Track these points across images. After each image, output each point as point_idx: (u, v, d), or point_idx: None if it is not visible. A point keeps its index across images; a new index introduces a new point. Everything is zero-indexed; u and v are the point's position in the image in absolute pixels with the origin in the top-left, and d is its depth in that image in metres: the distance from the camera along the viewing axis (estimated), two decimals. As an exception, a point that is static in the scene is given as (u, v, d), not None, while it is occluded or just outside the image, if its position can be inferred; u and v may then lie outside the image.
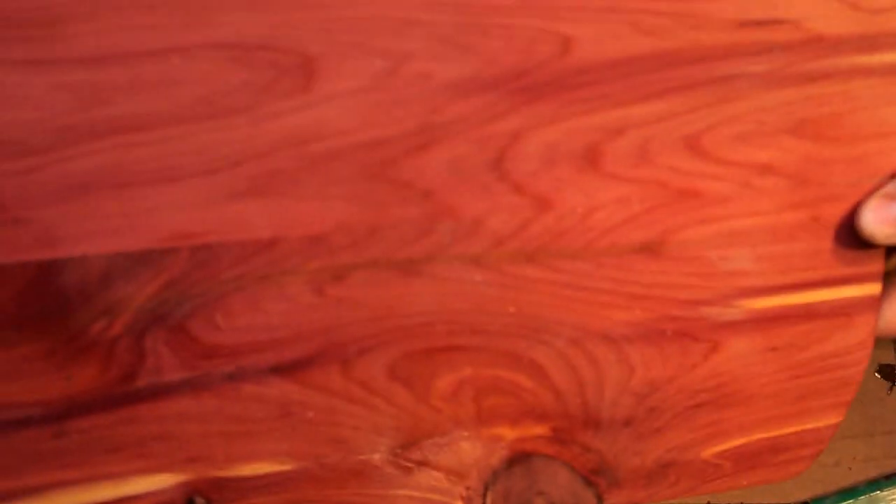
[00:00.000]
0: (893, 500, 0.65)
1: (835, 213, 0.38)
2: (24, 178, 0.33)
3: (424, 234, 0.36)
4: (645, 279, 0.38)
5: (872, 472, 0.67)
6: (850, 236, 0.39)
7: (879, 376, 0.70)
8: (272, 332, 0.37)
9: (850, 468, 0.67)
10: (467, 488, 0.41)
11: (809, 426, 0.42)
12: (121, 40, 0.32)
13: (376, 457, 0.39)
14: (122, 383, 0.36)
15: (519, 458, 0.40)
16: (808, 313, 0.40)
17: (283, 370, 0.37)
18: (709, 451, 0.42)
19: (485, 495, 0.40)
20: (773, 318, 0.39)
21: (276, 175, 0.34)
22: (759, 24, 0.35)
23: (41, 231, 0.34)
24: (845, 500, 0.65)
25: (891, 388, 0.69)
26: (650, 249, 0.38)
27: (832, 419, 0.42)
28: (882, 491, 0.65)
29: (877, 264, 0.39)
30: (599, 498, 0.41)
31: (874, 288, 0.40)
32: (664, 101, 0.35)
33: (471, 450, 0.40)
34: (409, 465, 0.40)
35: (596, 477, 0.41)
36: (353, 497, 0.40)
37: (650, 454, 0.41)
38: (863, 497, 0.65)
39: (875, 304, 0.40)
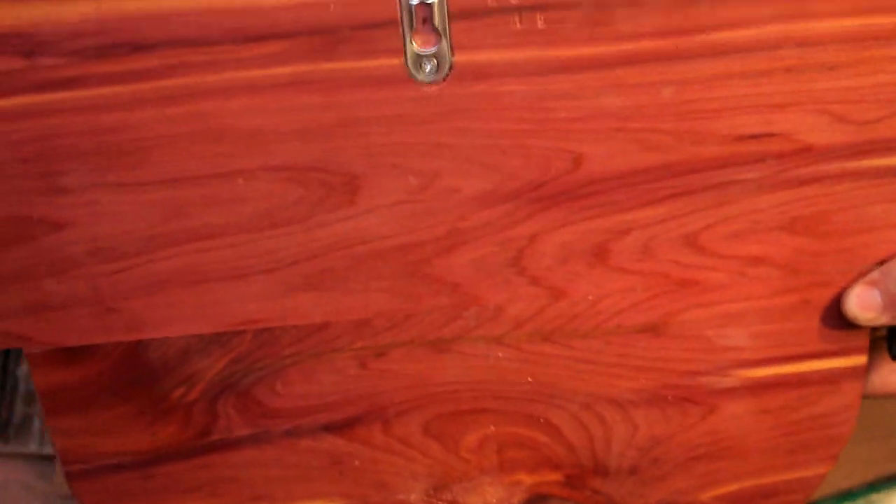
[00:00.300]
0: (891, 502, 0.65)
1: (824, 296, 0.42)
2: (118, 276, 0.40)
3: (453, 320, 0.42)
4: (648, 354, 0.43)
5: (871, 475, 0.67)
6: (839, 315, 0.43)
7: None
8: (324, 398, 0.43)
9: (847, 471, 0.67)
10: None
11: (799, 475, 0.47)
12: (195, 165, 0.38)
13: (413, 497, 0.46)
14: (198, 438, 0.43)
15: (536, 500, 0.46)
16: (800, 381, 0.44)
17: (333, 428, 0.44)
18: (706, 495, 0.47)
19: None
20: (767, 386, 0.44)
21: (327, 272, 0.40)
22: (754, 137, 0.39)
23: (130, 318, 0.41)
24: (843, 503, 0.66)
25: None
26: (653, 329, 0.43)
27: (821, 469, 0.47)
28: (880, 493, 0.66)
29: (862, 339, 0.44)
30: None
31: (860, 359, 0.44)
32: (665, 206, 0.40)
33: (494, 492, 0.46)
34: (441, 502, 0.46)
35: None
36: None
37: (653, 497, 0.47)
38: (860, 499, 0.66)
39: (861, 372, 0.44)
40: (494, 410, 0.44)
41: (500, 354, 0.43)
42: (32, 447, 0.64)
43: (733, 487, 0.47)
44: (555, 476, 0.46)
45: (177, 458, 0.44)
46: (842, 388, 0.45)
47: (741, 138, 0.39)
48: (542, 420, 0.44)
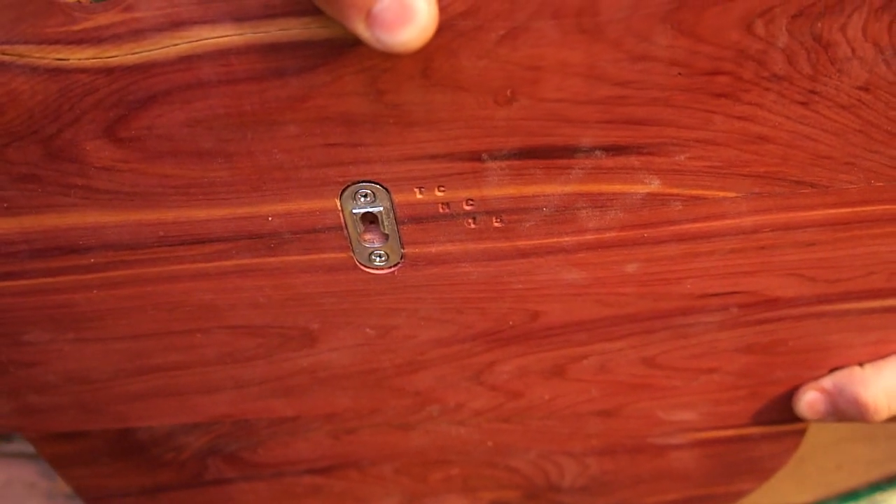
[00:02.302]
0: (894, 502, 0.65)
1: (773, 391, 0.44)
2: (95, 393, 0.42)
3: (416, 412, 0.44)
4: (601, 430, 0.46)
5: (874, 476, 0.67)
6: (786, 398, 0.45)
7: None
8: (302, 457, 0.47)
9: (851, 472, 0.66)
10: None
11: (735, 489, 0.52)
12: (151, 327, 0.38)
13: None
14: (193, 479, 0.49)
15: None
16: (741, 438, 0.47)
17: (313, 472, 0.49)
18: (650, 500, 0.53)
19: None
20: (710, 442, 0.47)
21: (293, 388, 0.42)
22: (718, 295, 0.38)
23: (115, 415, 0.44)
24: (847, 503, 0.66)
25: None
26: (606, 413, 0.45)
27: (756, 485, 0.52)
28: (882, 493, 0.65)
29: None
30: None
31: (803, 425, 0.47)
32: (624, 341, 0.40)
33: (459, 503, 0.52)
34: None
35: None
36: None
37: (602, 502, 0.53)
38: (864, 500, 0.65)
39: (802, 430, 0.47)
40: (458, 461, 0.48)
41: (462, 431, 0.46)
42: None
43: (673, 496, 0.53)
44: (514, 493, 0.52)
45: (178, 488, 0.50)
46: (783, 442, 0.48)
47: (705, 296, 0.38)
48: (502, 465, 0.49)
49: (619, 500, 0.53)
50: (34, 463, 0.67)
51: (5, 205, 0.32)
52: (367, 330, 0.39)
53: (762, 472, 0.51)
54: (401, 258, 0.35)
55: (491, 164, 0.32)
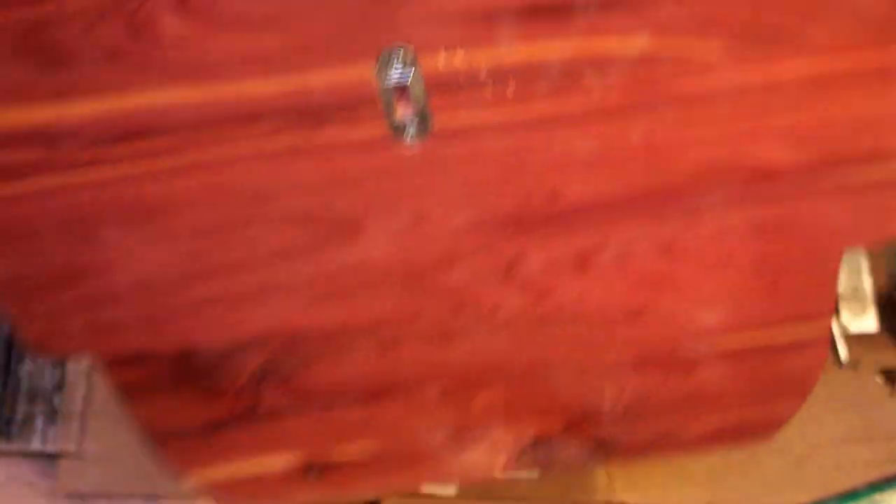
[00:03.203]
0: (893, 502, 0.66)
1: (791, 283, 0.47)
2: (159, 303, 0.46)
3: (455, 316, 0.48)
4: (630, 337, 0.49)
5: (873, 476, 0.67)
6: (804, 288, 0.47)
7: (881, 381, 0.70)
8: (351, 380, 0.51)
9: (850, 471, 0.68)
10: (505, 457, 0.55)
11: (772, 411, 0.54)
12: (210, 218, 0.43)
13: (436, 441, 0.54)
14: (248, 412, 0.52)
15: (539, 443, 0.54)
16: (767, 348, 0.49)
17: (361, 401, 0.52)
18: (690, 430, 0.54)
19: (519, 460, 0.55)
20: (737, 354, 0.50)
21: (339, 291, 0.46)
22: (721, 169, 0.42)
23: (176, 333, 0.48)
24: (846, 503, 0.67)
25: (892, 393, 0.69)
26: (633, 315, 0.48)
27: (793, 407, 0.53)
28: (882, 494, 0.66)
29: (825, 306, 0.48)
30: (603, 459, 0.55)
31: (823, 326, 0.49)
32: (639, 222, 0.44)
33: (501, 437, 0.54)
34: (461, 446, 0.54)
35: (598, 449, 0.55)
36: (418, 461, 0.56)
37: (642, 434, 0.54)
38: (863, 500, 0.66)
39: (825, 339, 0.49)
40: (499, 380, 0.51)
41: (500, 342, 0.49)
42: (35, 445, 0.69)
43: (714, 425, 0.54)
44: (556, 423, 0.54)
45: (234, 423, 0.52)
46: (805, 353, 0.50)
47: (709, 169, 0.42)
48: (540, 386, 0.51)
49: (661, 429, 0.54)
50: (34, 462, 0.70)
51: (92, 85, 0.38)
52: (404, 216, 0.43)
53: (794, 390, 0.52)
54: (429, 130, 0.40)
55: (503, 25, 0.37)
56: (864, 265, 0.72)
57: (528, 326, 0.48)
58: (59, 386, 0.69)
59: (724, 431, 0.55)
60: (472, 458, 0.55)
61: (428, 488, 0.67)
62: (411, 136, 0.40)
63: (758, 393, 0.52)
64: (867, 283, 0.71)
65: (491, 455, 0.55)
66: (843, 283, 0.71)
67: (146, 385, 0.51)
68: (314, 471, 0.55)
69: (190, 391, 0.51)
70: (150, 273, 0.45)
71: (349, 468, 0.55)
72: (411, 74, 0.38)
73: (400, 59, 0.38)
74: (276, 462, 0.55)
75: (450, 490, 0.67)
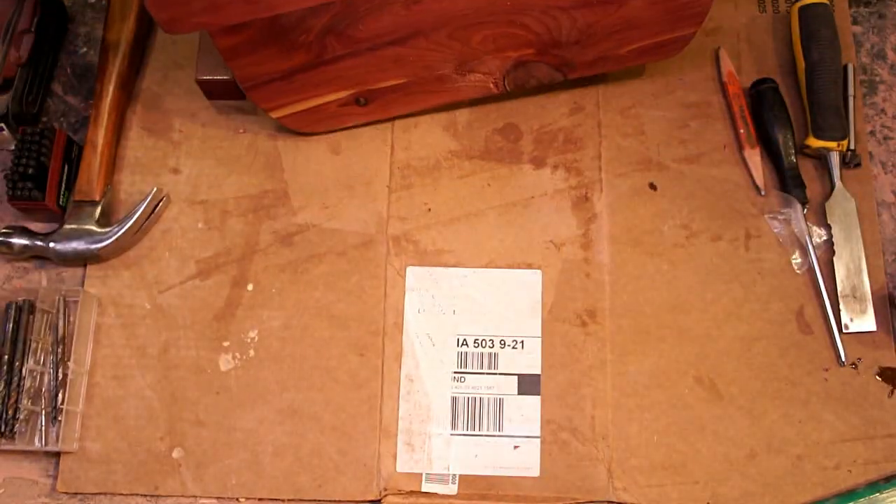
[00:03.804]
0: (892, 501, 0.66)
1: None
2: None
3: None
4: None
5: (872, 475, 0.68)
6: None
7: (880, 379, 0.71)
8: (386, 29, 0.67)
9: (849, 471, 0.68)
10: (495, 79, 0.75)
11: (679, 34, 0.72)
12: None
13: (446, 70, 0.73)
14: (316, 58, 0.69)
15: (519, 64, 0.74)
16: None
17: (394, 43, 0.69)
18: (623, 49, 0.73)
19: (504, 80, 0.75)
20: None
21: None
22: None
23: (267, 5, 0.63)
24: (845, 503, 0.67)
25: (891, 393, 0.70)
26: None
27: (690, 31, 0.72)
28: (881, 493, 0.67)
29: None
30: (564, 75, 0.76)
31: None
32: None
33: (493, 62, 0.73)
34: (465, 73, 0.74)
35: (562, 67, 0.75)
36: (436, 86, 0.75)
37: (590, 54, 0.73)
38: (862, 499, 0.67)
39: None
40: (490, 21, 0.68)
41: None
42: (37, 444, 0.69)
43: (639, 44, 0.73)
44: (530, 51, 0.72)
45: (305, 69, 0.71)
46: None
47: None
48: (518, 23, 0.69)
49: (603, 50, 0.73)
50: (36, 461, 0.71)
51: None
52: None
53: (693, 19, 0.71)
54: None
55: None
56: (864, 265, 0.72)
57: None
58: (61, 386, 0.69)
59: (645, 49, 0.74)
60: (473, 80, 0.75)
61: (428, 487, 0.68)
62: None
63: (668, 21, 0.70)
64: (867, 283, 0.72)
65: (486, 76, 0.75)
66: (842, 283, 0.72)
67: (245, 46, 0.67)
68: (361, 99, 0.75)
69: (276, 47, 0.68)
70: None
71: (387, 94, 0.75)
72: None
73: None
74: (337, 95, 0.75)
75: (450, 490, 0.68)
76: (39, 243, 0.73)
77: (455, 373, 0.71)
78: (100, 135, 0.75)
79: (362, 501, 0.68)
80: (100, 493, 0.69)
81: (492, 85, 0.76)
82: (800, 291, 0.72)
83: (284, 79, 0.71)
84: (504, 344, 0.71)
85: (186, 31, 0.63)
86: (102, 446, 0.70)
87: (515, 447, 0.69)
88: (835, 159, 0.74)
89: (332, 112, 0.76)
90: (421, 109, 0.78)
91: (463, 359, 0.71)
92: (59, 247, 0.73)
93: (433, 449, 0.69)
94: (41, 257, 0.75)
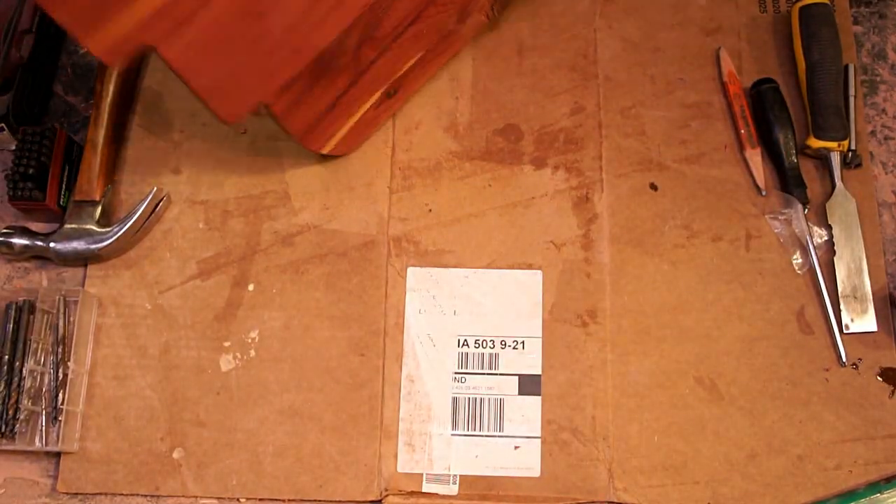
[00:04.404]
0: (893, 502, 0.66)
1: None
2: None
3: None
4: None
5: (873, 476, 0.68)
6: None
7: (881, 380, 0.70)
8: (403, 12, 0.69)
9: (850, 471, 0.68)
10: (486, 11, 0.79)
11: None
12: None
13: (452, 24, 0.75)
14: (356, 74, 0.70)
15: None
16: None
17: (413, 21, 0.70)
18: None
19: (493, 7, 0.79)
20: None
21: None
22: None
23: (312, 51, 0.64)
24: (846, 503, 0.67)
25: (892, 393, 0.70)
26: None
27: None
28: (882, 493, 0.67)
29: None
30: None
31: None
32: None
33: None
34: (465, 18, 0.76)
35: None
36: (444, 45, 0.77)
37: None
38: (863, 500, 0.67)
39: None
40: None
41: None
42: (37, 444, 0.69)
43: None
44: None
45: (347, 90, 0.71)
46: None
47: None
48: None
49: None
50: (36, 461, 0.71)
51: None
52: None
53: None
54: None
55: None
56: (865, 265, 0.72)
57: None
58: (61, 386, 0.69)
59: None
60: (471, 23, 0.78)
61: (429, 488, 0.68)
62: None
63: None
64: (868, 284, 0.72)
65: (480, 13, 0.78)
66: (843, 283, 0.72)
67: (298, 98, 0.67)
68: (391, 90, 0.76)
69: (322, 83, 0.68)
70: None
71: (409, 75, 0.76)
72: None
73: None
74: (372, 99, 0.75)
75: (451, 490, 0.68)
76: (40, 243, 0.73)
77: (456, 373, 0.71)
78: (100, 135, 0.75)
79: (363, 502, 0.68)
80: (100, 494, 0.69)
81: (484, 17, 0.78)
82: (800, 292, 0.72)
83: (330, 110, 0.71)
84: (504, 344, 0.71)
85: (245, 111, 0.64)
86: (103, 446, 0.69)
87: (516, 447, 0.69)
88: (835, 159, 0.74)
89: (370, 119, 0.76)
90: (433, 75, 0.80)
91: (463, 359, 0.71)
92: (60, 247, 0.73)
93: (434, 449, 0.69)
94: (41, 257, 0.74)
